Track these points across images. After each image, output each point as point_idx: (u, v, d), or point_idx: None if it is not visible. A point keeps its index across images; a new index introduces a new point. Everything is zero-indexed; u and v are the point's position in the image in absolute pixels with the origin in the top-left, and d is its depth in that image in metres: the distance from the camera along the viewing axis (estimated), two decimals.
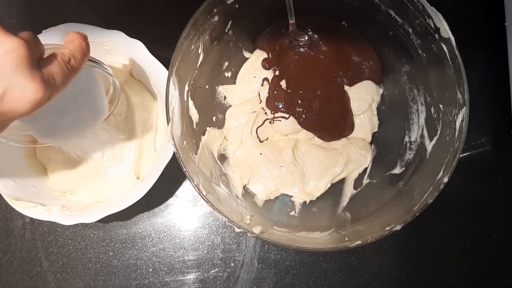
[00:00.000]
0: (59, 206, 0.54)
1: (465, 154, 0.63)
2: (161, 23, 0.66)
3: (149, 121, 0.61)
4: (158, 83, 0.57)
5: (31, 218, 0.64)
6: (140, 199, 0.53)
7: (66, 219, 0.53)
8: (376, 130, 0.61)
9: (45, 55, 0.39)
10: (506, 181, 0.63)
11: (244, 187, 0.59)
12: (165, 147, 0.54)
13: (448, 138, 0.50)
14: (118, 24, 0.57)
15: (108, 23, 0.57)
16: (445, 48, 0.48)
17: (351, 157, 0.58)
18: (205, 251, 0.63)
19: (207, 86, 0.59)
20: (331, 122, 0.60)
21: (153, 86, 0.60)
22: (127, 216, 0.63)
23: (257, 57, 0.62)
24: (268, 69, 0.61)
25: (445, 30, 0.47)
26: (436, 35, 0.49)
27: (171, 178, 0.61)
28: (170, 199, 0.64)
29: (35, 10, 0.68)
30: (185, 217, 0.64)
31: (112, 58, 0.60)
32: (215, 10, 0.52)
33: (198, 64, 0.56)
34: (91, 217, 0.53)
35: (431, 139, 0.53)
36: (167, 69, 0.51)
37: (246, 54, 0.63)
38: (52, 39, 0.57)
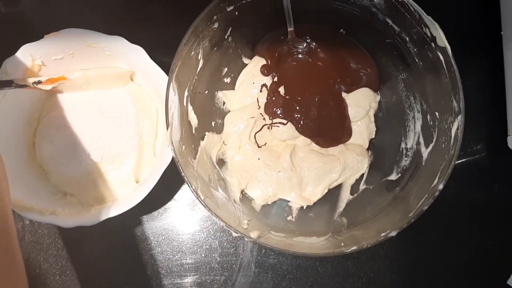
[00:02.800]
0: (59, 209, 0.55)
1: (461, 160, 0.64)
2: (162, 29, 0.67)
3: (149, 125, 0.61)
4: (158, 88, 0.57)
5: (30, 221, 0.64)
6: (139, 202, 0.54)
7: (66, 222, 0.53)
8: (373, 136, 0.61)
9: None
10: (502, 187, 0.63)
11: (242, 191, 0.59)
12: (164, 152, 0.54)
13: (443, 145, 0.50)
14: (119, 29, 0.58)
15: (110, 29, 0.58)
16: (441, 56, 0.49)
17: (348, 163, 0.59)
18: (203, 255, 0.63)
19: (207, 92, 0.60)
20: (329, 129, 0.60)
21: (153, 91, 0.61)
22: (126, 220, 0.63)
23: (256, 63, 0.62)
24: (266, 75, 0.62)
25: (441, 39, 0.48)
26: (433, 44, 0.49)
27: (170, 182, 0.61)
28: (169, 203, 0.65)
29: (37, 15, 0.69)
30: (184, 221, 0.64)
31: (113, 63, 0.61)
32: (215, 17, 0.53)
33: (198, 70, 0.56)
34: (91, 220, 0.53)
35: (427, 146, 0.54)
36: (167, 74, 0.52)
37: (245, 60, 0.63)
38: (54, 44, 0.57)
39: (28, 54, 0.57)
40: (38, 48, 0.57)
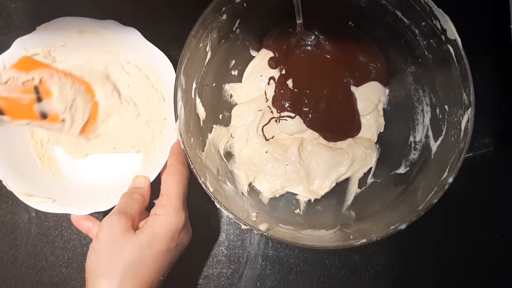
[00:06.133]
0: (72, 198, 0.55)
1: (468, 154, 0.63)
2: (170, 21, 0.66)
3: (149, 106, 0.61)
4: (156, 68, 0.57)
5: (37, 213, 0.64)
6: None
7: (81, 210, 0.53)
8: (382, 130, 0.61)
9: None
10: (509, 182, 0.63)
11: (250, 184, 0.59)
12: (171, 139, 0.54)
13: (453, 138, 0.50)
14: (128, 22, 0.58)
15: (120, 21, 0.58)
16: (451, 49, 0.49)
17: (356, 156, 0.58)
18: (209, 248, 0.63)
19: (214, 84, 0.60)
20: (337, 123, 0.60)
21: (153, 72, 0.60)
22: None
23: (263, 56, 0.62)
24: (274, 68, 0.61)
25: (452, 32, 0.48)
26: (443, 37, 0.49)
27: None
28: None
29: (41, 4, 0.68)
30: (189, 214, 0.64)
31: (109, 48, 0.60)
32: (223, 9, 0.53)
33: (206, 62, 0.56)
34: (104, 205, 0.53)
35: (436, 140, 0.54)
36: (175, 67, 0.52)
37: (253, 53, 0.63)
38: (47, 35, 0.58)
39: (22, 48, 0.57)
40: (31, 40, 0.57)
